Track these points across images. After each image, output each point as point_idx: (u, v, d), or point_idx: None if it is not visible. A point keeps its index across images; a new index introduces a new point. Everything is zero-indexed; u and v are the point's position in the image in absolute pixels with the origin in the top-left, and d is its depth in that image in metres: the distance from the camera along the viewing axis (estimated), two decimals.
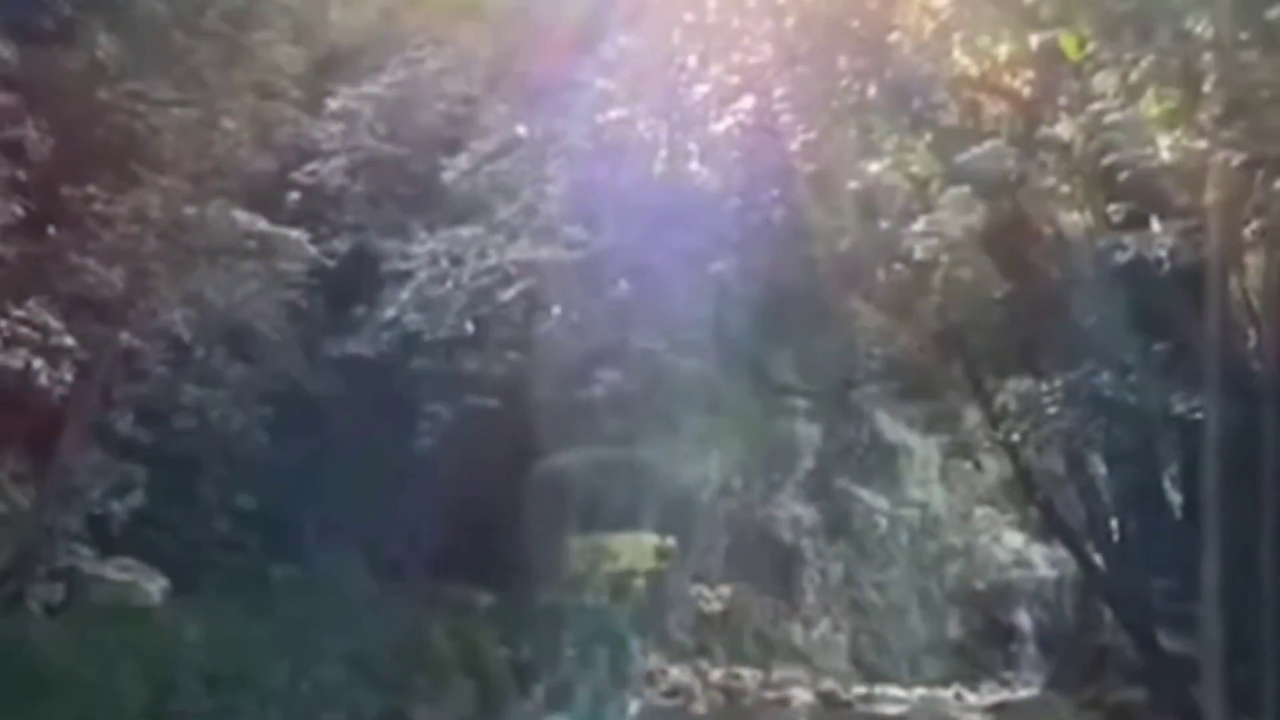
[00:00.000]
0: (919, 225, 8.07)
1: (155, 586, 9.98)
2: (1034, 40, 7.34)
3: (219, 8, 10.37)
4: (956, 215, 7.97)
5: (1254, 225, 7.31)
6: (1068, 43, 7.25)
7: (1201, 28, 6.37)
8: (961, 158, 8.08)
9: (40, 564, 9.31)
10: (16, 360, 8.94)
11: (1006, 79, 8.36)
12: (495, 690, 12.91)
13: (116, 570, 9.87)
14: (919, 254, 7.99)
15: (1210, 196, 6.97)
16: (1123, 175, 7.26)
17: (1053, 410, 8.32)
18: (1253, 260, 7.71)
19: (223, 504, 11.21)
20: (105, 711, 8.91)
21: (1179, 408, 7.49)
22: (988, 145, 8.10)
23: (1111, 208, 7.97)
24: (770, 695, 16.62)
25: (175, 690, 9.56)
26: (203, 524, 11.00)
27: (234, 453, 11.12)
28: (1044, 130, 8.06)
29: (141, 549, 10.18)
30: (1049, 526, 12.12)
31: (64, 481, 9.62)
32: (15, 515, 9.33)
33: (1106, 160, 7.32)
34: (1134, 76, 6.85)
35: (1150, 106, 7.06)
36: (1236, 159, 6.46)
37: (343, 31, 12.11)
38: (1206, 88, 6.50)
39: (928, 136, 8.58)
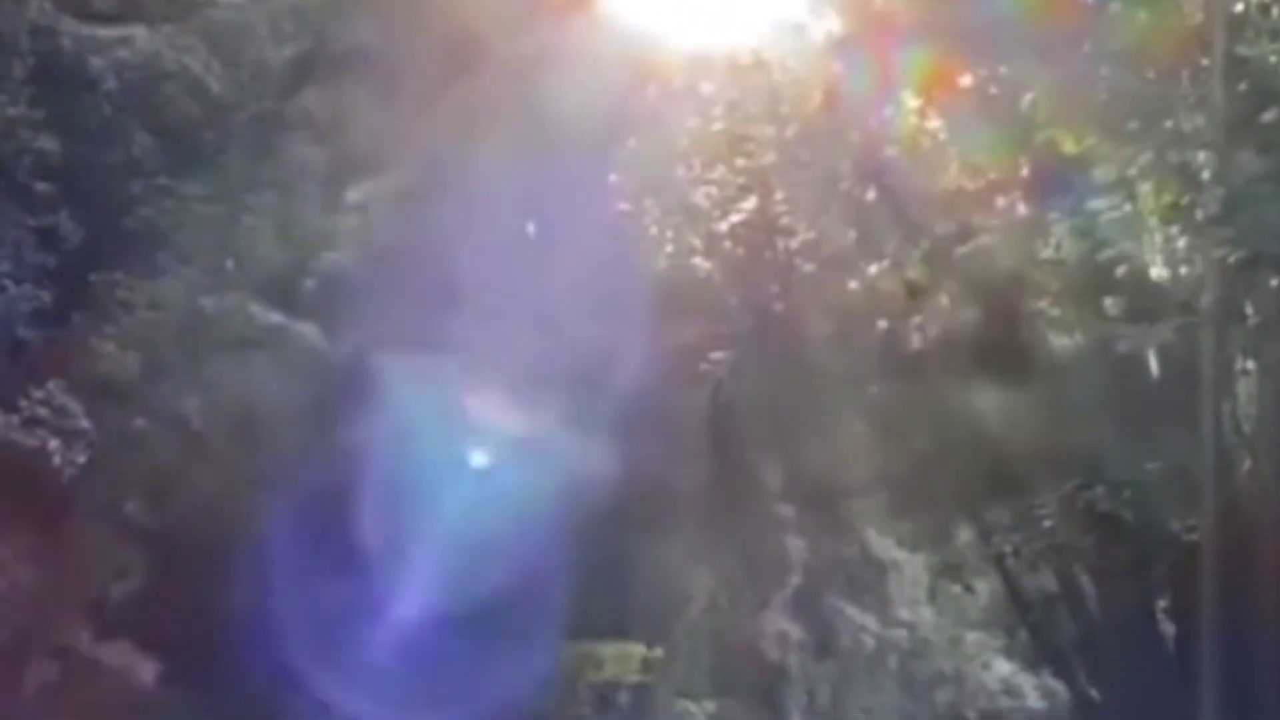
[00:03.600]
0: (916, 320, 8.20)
1: (148, 673, 9.89)
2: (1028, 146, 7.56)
3: (249, 111, 10.92)
4: (954, 309, 8.12)
5: (1251, 321, 7.25)
6: (1064, 137, 7.42)
7: (1198, 128, 6.62)
8: (958, 254, 8.24)
9: (40, 643, 9.27)
10: (34, 440, 9.14)
11: (1000, 197, 8.60)
12: None
13: (112, 654, 9.81)
14: (915, 344, 8.05)
15: (1206, 297, 6.99)
16: (1119, 271, 7.34)
17: (1046, 524, 8.34)
18: (1244, 387, 7.89)
19: (219, 594, 11.15)
20: None
21: (1175, 526, 7.54)
22: (982, 241, 8.28)
23: (1108, 301, 8.06)
24: None
25: None
26: (197, 613, 10.92)
27: (235, 545, 11.13)
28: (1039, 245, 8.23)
29: (137, 634, 10.13)
30: (1039, 651, 11.97)
31: (68, 563, 9.67)
32: (17, 593, 9.35)
33: (1102, 256, 7.42)
34: (1132, 170, 6.96)
35: (1147, 204, 7.18)
36: (1233, 256, 6.47)
37: (365, 131, 12.57)
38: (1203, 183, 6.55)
39: (924, 243, 8.79)
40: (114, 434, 9.92)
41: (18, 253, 9.62)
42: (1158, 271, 7.63)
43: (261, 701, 11.05)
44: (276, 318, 11.18)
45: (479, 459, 11.93)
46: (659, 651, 16.23)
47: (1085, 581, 10.44)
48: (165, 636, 10.39)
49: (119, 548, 10.11)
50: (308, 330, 11.46)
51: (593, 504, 13.69)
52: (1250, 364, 7.80)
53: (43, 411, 9.27)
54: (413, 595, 12.64)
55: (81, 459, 9.41)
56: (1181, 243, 7.43)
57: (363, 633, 12.22)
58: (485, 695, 13.42)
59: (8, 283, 9.48)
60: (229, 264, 11.20)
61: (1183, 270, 7.55)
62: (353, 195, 12.03)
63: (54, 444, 9.18)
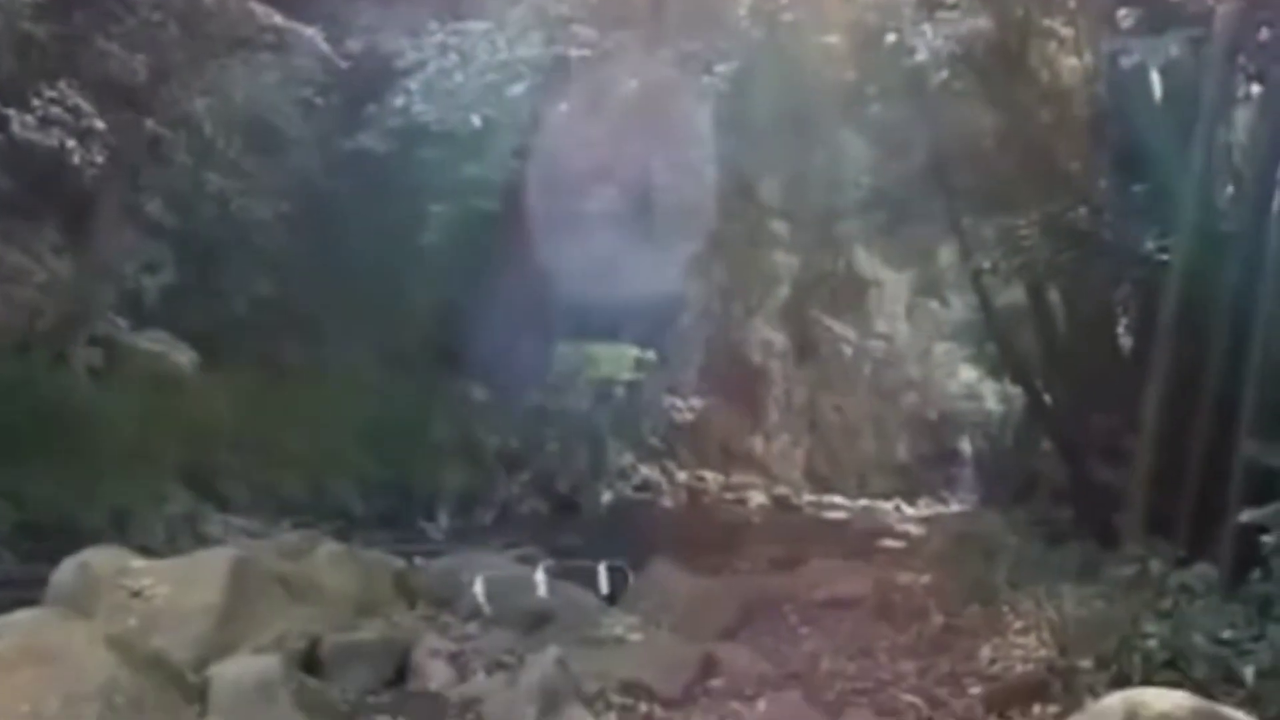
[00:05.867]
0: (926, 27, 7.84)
1: (185, 358, 10.35)
2: None
3: None
4: (965, 17, 7.76)
5: (1263, 36, 7.00)
6: None
7: None
8: None
9: (81, 330, 9.63)
10: (51, 139, 9.05)
11: None
12: (485, 473, 13.63)
13: (150, 341, 10.22)
14: (921, 56, 7.72)
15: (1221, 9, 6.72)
16: None
17: (1026, 242, 8.43)
18: (1241, 116, 7.75)
19: (243, 289, 11.49)
20: (140, 466, 9.40)
21: (1149, 246, 7.46)
22: None
23: (1121, 12, 7.73)
24: (729, 496, 17.53)
25: (203, 450, 10.11)
26: (225, 306, 11.31)
27: (253, 241, 11.33)
28: None
29: (171, 324, 10.51)
30: (1004, 361, 12.33)
31: (99, 255, 9.85)
32: (56, 284, 9.60)
33: None
34: None
35: None
36: None
37: None
38: None
39: None
40: (128, 136, 9.79)
41: None
42: None
43: (285, 371, 11.63)
44: (279, 18, 10.72)
45: (478, 165, 11.82)
46: (651, 353, 16.93)
47: (1055, 298, 10.78)
48: (200, 327, 10.78)
49: (147, 244, 10.26)
50: (311, 32, 11.06)
51: (592, 208, 13.81)
52: (1254, 89, 7.62)
53: (56, 111, 9.09)
54: (422, 289, 13.01)
55: (100, 159, 9.33)
56: None
57: (383, 323, 12.68)
58: (492, 382, 14.15)
59: None
60: None
61: None
62: None
63: (71, 144, 9.07)
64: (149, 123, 10.22)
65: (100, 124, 9.39)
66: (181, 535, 8.57)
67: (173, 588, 5.84)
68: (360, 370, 12.42)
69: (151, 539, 8.15)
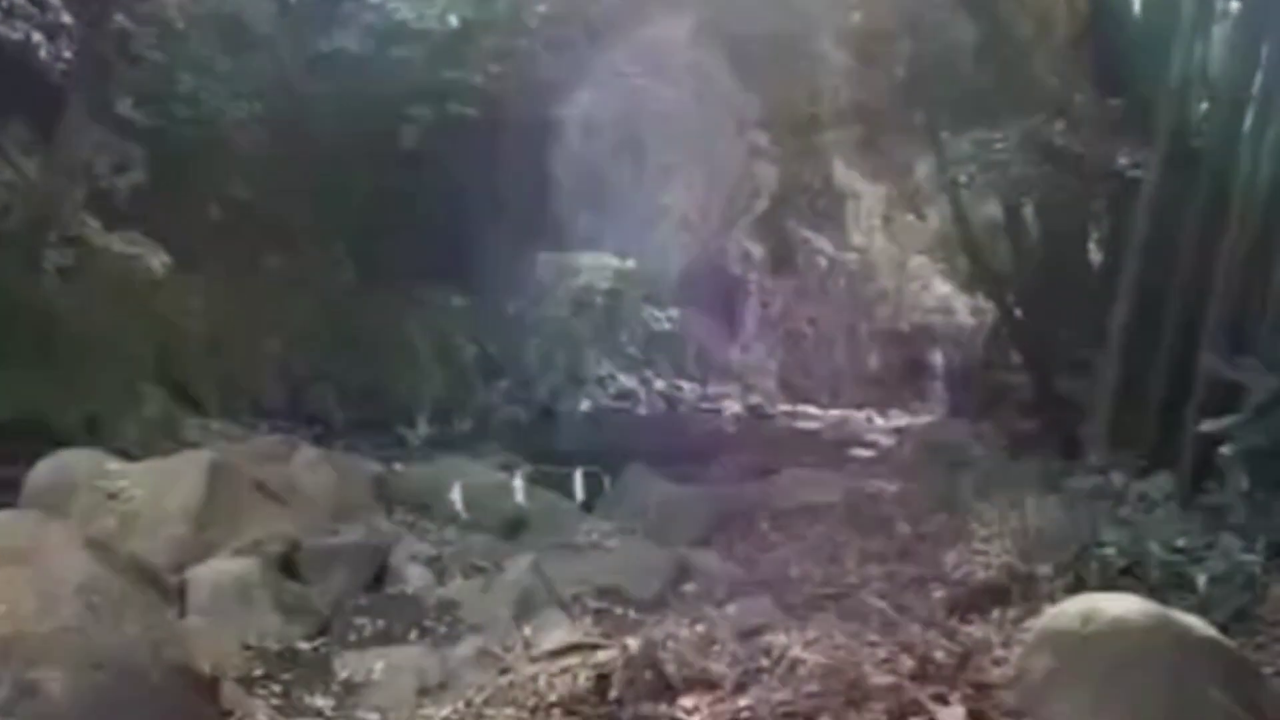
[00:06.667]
0: None
1: (158, 261, 10.11)
2: None
3: None
4: None
5: None
6: None
7: None
8: None
9: (51, 230, 9.38)
10: (16, 33, 8.67)
11: None
12: (465, 380, 13.58)
13: (123, 242, 9.97)
14: None
15: None
16: None
17: (1002, 156, 8.32)
18: (1219, 31, 7.62)
19: (219, 191, 11.21)
20: (115, 368, 9.24)
21: (1122, 162, 7.43)
22: None
23: None
24: (705, 406, 17.64)
25: (179, 353, 9.96)
26: (199, 209, 11.04)
27: (228, 144, 11.01)
28: None
29: (144, 226, 10.25)
30: (976, 275, 12.35)
31: (68, 153, 9.53)
32: (24, 182, 9.31)
33: None
34: None
35: None
36: None
37: None
38: None
39: None
40: (97, 32, 9.39)
41: None
42: None
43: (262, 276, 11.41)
44: None
45: (457, 69, 11.48)
46: (631, 263, 16.78)
47: (1028, 212, 10.73)
48: (174, 230, 10.52)
49: (118, 143, 9.92)
50: None
51: (572, 116, 13.53)
52: (1233, 5, 7.46)
53: (22, 3, 8.69)
54: (400, 195, 12.74)
55: (68, 55, 8.96)
56: None
57: (360, 230, 12.45)
58: (472, 289, 14.01)
59: None
60: None
61: None
62: None
63: (38, 38, 8.70)
64: (118, 18, 9.81)
65: (68, 18, 9.00)
66: (157, 439, 8.45)
67: (150, 490, 5.80)
68: (338, 276, 12.23)
69: (126, 442, 8.03)
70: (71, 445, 6.57)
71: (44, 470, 5.96)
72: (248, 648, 4.83)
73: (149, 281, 9.88)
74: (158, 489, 5.82)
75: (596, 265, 16.47)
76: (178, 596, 5.04)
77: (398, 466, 8.41)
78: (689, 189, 17.87)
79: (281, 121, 11.28)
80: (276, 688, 4.56)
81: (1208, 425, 5.45)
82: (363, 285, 12.57)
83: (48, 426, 7.62)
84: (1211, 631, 3.46)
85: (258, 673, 4.66)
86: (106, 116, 9.96)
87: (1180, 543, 4.84)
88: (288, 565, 5.75)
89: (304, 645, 5.06)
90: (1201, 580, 4.56)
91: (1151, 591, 4.24)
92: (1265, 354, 5.35)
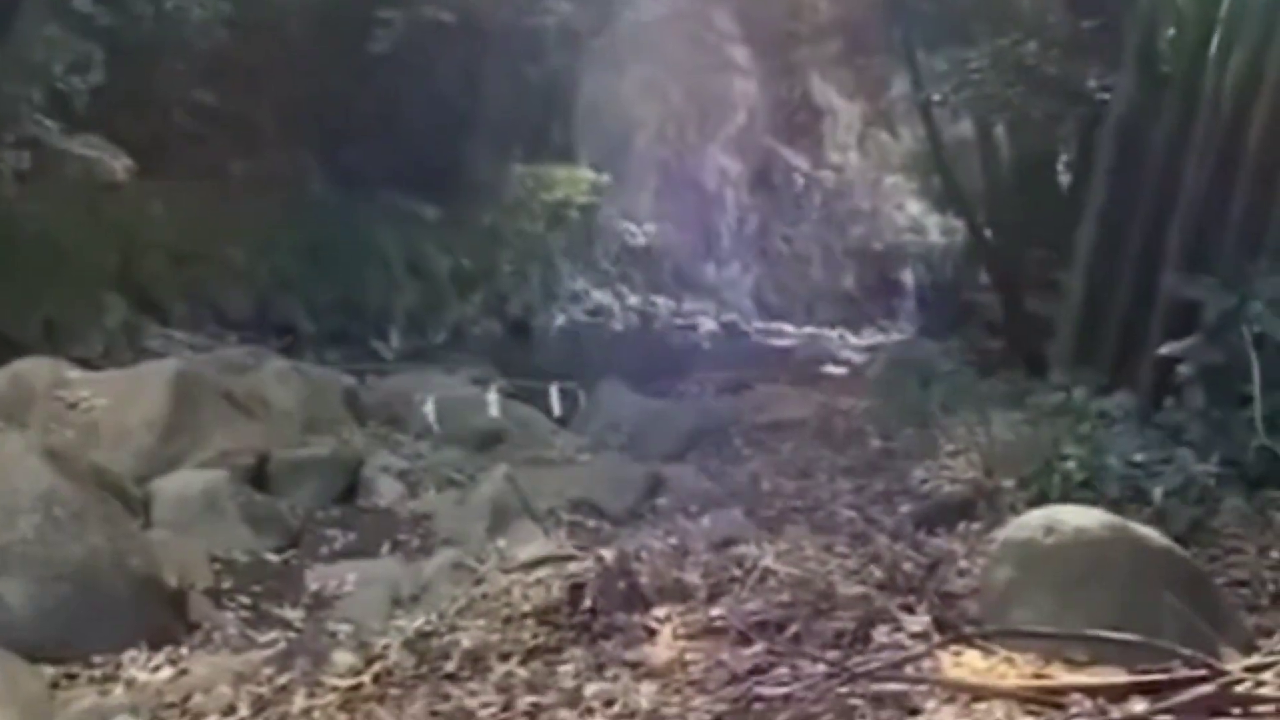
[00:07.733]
0: None
1: (120, 165, 9.76)
2: None
3: None
4: None
5: None
6: None
7: None
8: None
9: (6, 131, 8.99)
10: None
11: None
12: (438, 293, 13.38)
13: (83, 146, 9.59)
14: None
15: None
16: None
17: (976, 76, 8.20)
18: None
19: (183, 95, 10.79)
20: (75, 275, 8.93)
21: (1091, 84, 7.43)
22: None
23: None
24: (680, 322, 17.59)
25: (142, 261, 9.68)
26: (162, 113, 10.64)
27: (193, 46, 10.55)
28: None
29: (105, 130, 9.86)
30: (948, 195, 12.30)
31: (23, 52, 9.09)
32: None
33: None
34: None
35: None
36: None
37: None
38: None
39: None
40: None
41: None
42: None
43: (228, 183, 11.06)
44: None
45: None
46: (607, 177, 16.51)
47: (1000, 132, 10.62)
48: (136, 134, 10.14)
49: (76, 41, 9.46)
50: None
51: (549, 24, 13.13)
52: None
53: None
54: (371, 102, 12.36)
55: None
56: None
57: (331, 138, 12.10)
58: (446, 201, 13.72)
59: None
60: None
61: None
62: None
63: None
64: None
65: None
66: (119, 348, 8.23)
67: (112, 400, 5.65)
68: (306, 185, 11.89)
69: (88, 351, 7.82)
70: (30, 354, 6.33)
71: (1, 379, 5.78)
72: (215, 560, 4.76)
73: (110, 186, 9.54)
74: (120, 399, 5.67)
75: (572, 178, 16.17)
76: (142, 508, 4.95)
77: (370, 379, 8.29)
78: (667, 103, 17.52)
79: (248, 22, 10.81)
80: (245, 599, 4.51)
81: (1167, 348, 5.46)
82: (333, 193, 12.26)
83: (4, 335, 7.36)
84: (1167, 542, 3.50)
85: (226, 585, 4.60)
86: (64, 13, 9.48)
87: (1138, 458, 4.88)
88: (257, 478, 5.67)
89: (273, 558, 5.00)
90: (1157, 493, 4.62)
91: (1110, 505, 4.28)
92: (1226, 274, 5.34)
